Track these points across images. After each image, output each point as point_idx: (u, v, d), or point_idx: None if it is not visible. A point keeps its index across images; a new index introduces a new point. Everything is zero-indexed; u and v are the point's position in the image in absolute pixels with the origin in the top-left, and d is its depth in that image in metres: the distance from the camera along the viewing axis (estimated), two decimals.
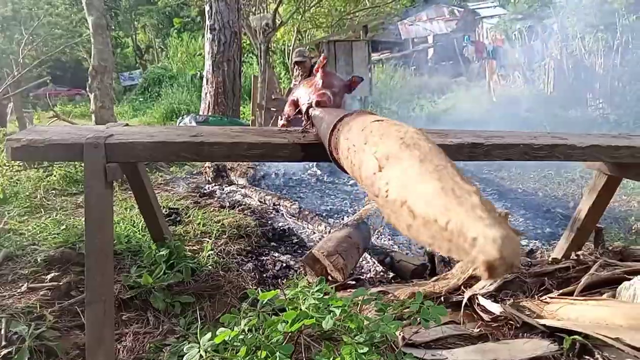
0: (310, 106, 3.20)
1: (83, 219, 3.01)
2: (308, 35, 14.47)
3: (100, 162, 1.85)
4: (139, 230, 2.96)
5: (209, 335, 1.44)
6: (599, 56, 11.90)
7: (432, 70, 20.98)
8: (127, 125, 2.19)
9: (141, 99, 17.93)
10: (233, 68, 6.65)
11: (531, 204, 4.53)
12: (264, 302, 1.99)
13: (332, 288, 2.44)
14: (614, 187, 2.39)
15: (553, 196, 4.70)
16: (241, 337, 1.41)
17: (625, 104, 9.77)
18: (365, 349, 1.23)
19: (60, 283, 2.40)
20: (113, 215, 2.00)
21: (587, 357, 1.97)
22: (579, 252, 2.58)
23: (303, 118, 3.65)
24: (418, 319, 1.50)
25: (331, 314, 1.30)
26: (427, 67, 21.72)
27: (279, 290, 1.88)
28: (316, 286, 1.43)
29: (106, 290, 1.88)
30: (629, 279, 2.26)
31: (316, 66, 2.13)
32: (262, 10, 12.20)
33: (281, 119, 2.41)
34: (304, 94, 2.82)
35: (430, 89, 16.63)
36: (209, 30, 6.65)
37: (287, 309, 1.72)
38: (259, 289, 2.03)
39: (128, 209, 3.42)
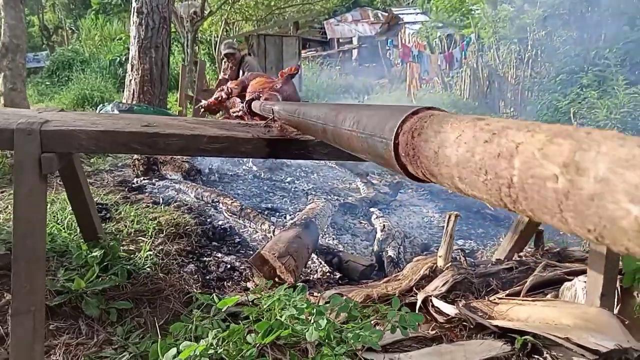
0: (255, 99, 3.06)
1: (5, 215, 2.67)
2: (236, 28, 14.11)
3: (35, 152, 1.60)
4: (64, 228, 2.66)
5: (173, 351, 1.27)
6: (511, 67, 12.70)
7: (356, 70, 21.36)
8: (62, 110, 1.93)
9: (48, 83, 16.49)
10: (161, 55, 6.27)
11: (462, 204, 4.69)
12: (217, 309, 1.84)
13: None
14: None
15: None
16: (211, 351, 1.26)
17: (536, 113, 10.51)
18: None
19: None
20: (47, 213, 1.75)
21: (536, 356, 2.02)
22: (521, 254, 2.68)
23: (241, 107, 3.50)
24: (394, 326, 1.45)
25: (314, 324, 1.20)
26: (351, 67, 22.10)
27: (239, 296, 1.75)
28: (297, 294, 1.32)
29: (37, 300, 1.64)
30: (569, 280, 2.37)
31: (284, 71, 2.06)
32: None
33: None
34: (258, 86, 2.68)
35: (356, 89, 16.91)
36: (135, 14, 6.21)
37: (250, 316, 1.60)
38: (213, 294, 1.87)
39: (49, 204, 3.07)
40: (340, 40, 25.74)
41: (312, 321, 1.24)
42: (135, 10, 6.22)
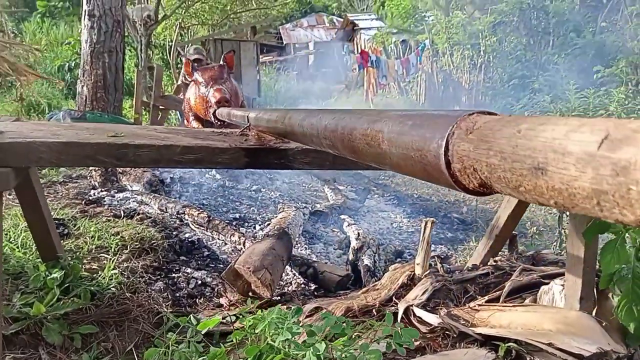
0: (222, 106, 2.95)
1: None
2: (190, 32, 13.80)
3: None
4: (18, 247, 2.45)
5: None
6: (465, 72, 13.03)
7: (313, 76, 21.40)
8: (17, 119, 1.77)
9: None
10: (115, 60, 6.00)
11: (429, 209, 4.71)
12: (194, 330, 1.72)
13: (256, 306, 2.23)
14: None
15: (447, 201, 4.94)
16: None
17: None
18: None
19: None
20: (2, 233, 1.58)
21: None
22: (497, 258, 2.68)
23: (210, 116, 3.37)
24: (389, 343, 1.38)
25: (311, 349, 1.11)
26: (308, 73, 22.12)
27: (220, 317, 1.64)
28: (292, 317, 1.23)
29: None
30: (546, 283, 2.39)
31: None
32: (140, 1, 11.35)
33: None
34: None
35: (314, 94, 16.92)
36: (87, 17, 5.92)
37: (234, 339, 1.49)
38: (190, 315, 1.74)
39: None
40: (297, 46, 25.73)
41: (307, 344, 1.15)
42: (87, 13, 5.94)
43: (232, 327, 1.72)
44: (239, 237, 3.07)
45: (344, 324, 1.32)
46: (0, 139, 1.46)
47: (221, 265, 2.88)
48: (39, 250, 2.17)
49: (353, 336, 1.40)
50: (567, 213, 3.48)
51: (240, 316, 1.72)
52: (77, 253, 2.55)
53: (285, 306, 2.31)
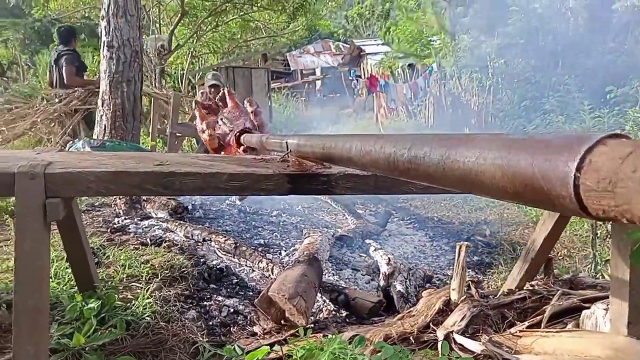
0: (246, 131, 2.97)
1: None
2: (201, 61, 14.02)
3: (39, 198, 1.44)
4: (51, 278, 2.44)
5: None
6: (473, 94, 13.07)
7: (321, 101, 21.62)
8: (61, 150, 1.78)
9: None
10: (134, 89, 6.09)
11: (451, 232, 4.66)
12: None
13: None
14: (569, 217, 2.49)
15: (468, 223, 4.89)
16: None
17: None
18: None
19: None
20: (50, 264, 1.57)
21: None
22: (533, 282, 2.63)
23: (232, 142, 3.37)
24: None
25: None
26: (316, 98, 22.35)
27: (268, 347, 1.61)
28: (355, 347, 1.20)
29: None
30: (587, 307, 2.33)
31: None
32: (154, 32, 11.58)
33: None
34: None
35: (323, 119, 17.05)
36: (106, 47, 6.04)
37: None
38: (235, 345, 1.71)
39: None
40: (304, 72, 26.06)
41: None
42: (106, 44, 6.05)
43: (282, 357, 1.68)
44: (267, 264, 3.05)
45: (400, 353, 1.28)
46: (51, 170, 1.47)
47: (251, 293, 2.85)
48: (76, 280, 2.15)
49: None
50: (599, 235, 3.43)
51: (284, 343, 1.69)
52: (109, 282, 2.54)
53: (321, 334, 2.27)
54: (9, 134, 6.89)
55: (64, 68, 6.89)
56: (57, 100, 7.12)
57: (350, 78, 22.57)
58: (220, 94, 5.28)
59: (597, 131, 6.84)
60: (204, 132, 2.95)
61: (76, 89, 6.98)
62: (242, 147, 2.57)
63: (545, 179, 0.57)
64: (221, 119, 3.17)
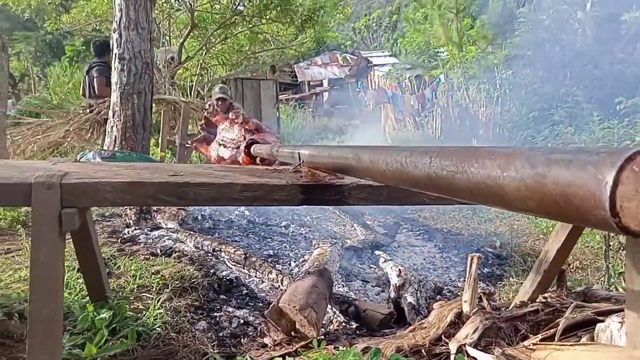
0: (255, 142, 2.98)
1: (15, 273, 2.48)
2: (210, 73, 14.14)
3: (55, 208, 1.46)
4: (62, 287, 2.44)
5: None
6: (481, 105, 13.04)
7: (329, 112, 21.70)
8: (76, 161, 1.79)
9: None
10: (144, 101, 6.15)
11: (461, 243, 4.63)
12: None
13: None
14: (582, 228, 2.46)
15: (478, 235, 4.87)
16: None
17: None
18: None
19: None
20: (64, 273, 1.58)
21: None
22: (546, 295, 2.60)
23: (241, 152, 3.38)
24: None
25: None
26: (323, 109, 22.44)
27: (280, 358, 1.60)
28: (371, 358, 1.19)
29: None
30: (601, 320, 2.30)
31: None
32: (164, 44, 11.71)
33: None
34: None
35: (330, 130, 17.11)
36: (117, 60, 6.11)
37: None
38: (247, 356, 1.71)
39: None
40: (311, 83, 26.18)
41: None
42: (117, 56, 6.13)
43: None
44: (277, 275, 3.04)
45: None
46: (67, 180, 1.48)
47: (261, 304, 2.84)
48: (88, 290, 2.16)
49: None
50: (612, 247, 3.39)
51: (295, 355, 1.68)
52: (120, 292, 2.54)
53: (332, 346, 2.26)
54: (43, 142, 6.98)
55: (95, 79, 6.99)
56: (88, 110, 7.19)
57: (358, 89, 22.64)
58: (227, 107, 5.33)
59: (607, 142, 6.80)
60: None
61: (106, 99, 7.05)
62: (257, 158, 2.59)
63: (577, 194, 0.56)
64: (221, 140, 3.21)
